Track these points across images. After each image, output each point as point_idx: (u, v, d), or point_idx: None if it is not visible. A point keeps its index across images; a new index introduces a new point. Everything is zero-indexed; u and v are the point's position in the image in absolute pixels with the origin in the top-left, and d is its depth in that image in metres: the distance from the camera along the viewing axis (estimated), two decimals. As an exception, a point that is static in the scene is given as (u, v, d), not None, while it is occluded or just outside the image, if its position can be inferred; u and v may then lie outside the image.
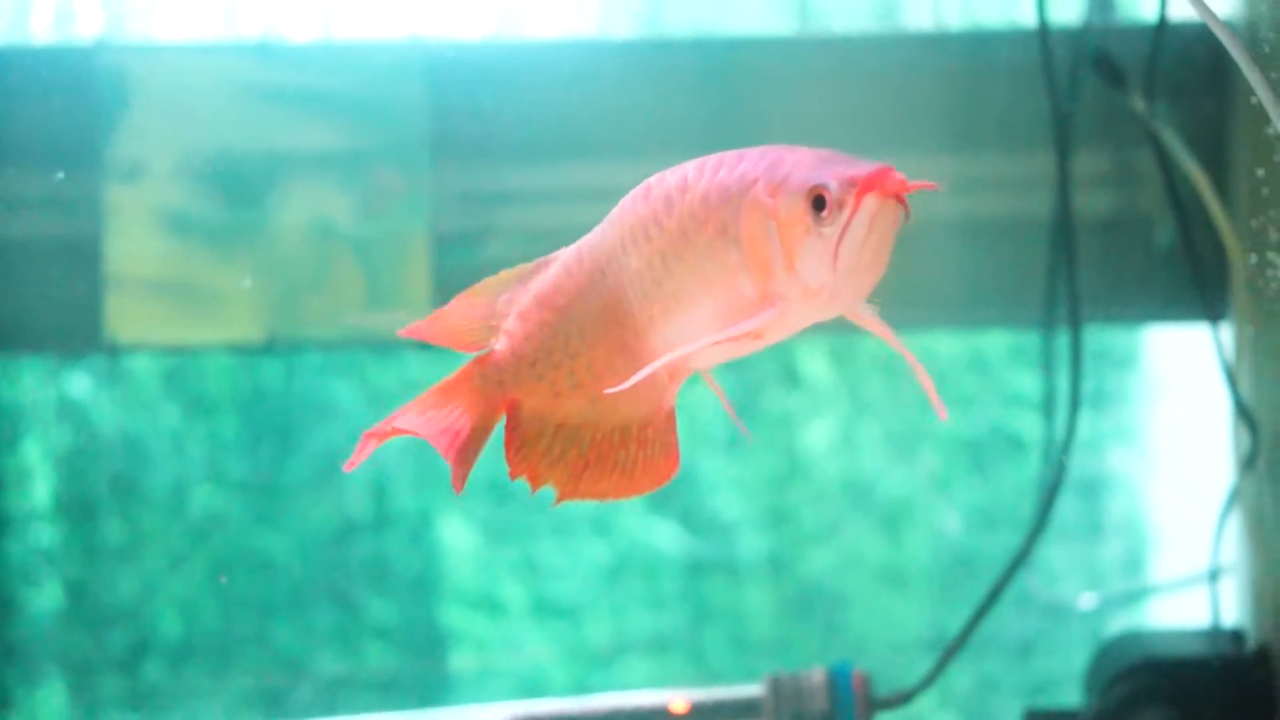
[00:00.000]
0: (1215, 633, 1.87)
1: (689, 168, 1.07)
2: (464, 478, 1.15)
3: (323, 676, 2.35)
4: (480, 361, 1.15)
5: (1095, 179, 2.02)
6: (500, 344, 1.14)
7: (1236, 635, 1.87)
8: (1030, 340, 2.37)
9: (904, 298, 2.11)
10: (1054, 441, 2.05)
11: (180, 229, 2.01)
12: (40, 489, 2.32)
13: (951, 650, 1.80)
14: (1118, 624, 2.32)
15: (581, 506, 2.43)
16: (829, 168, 0.98)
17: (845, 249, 0.97)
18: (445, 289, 2.01)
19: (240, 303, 2.02)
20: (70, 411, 2.31)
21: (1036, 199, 2.04)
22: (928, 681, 1.83)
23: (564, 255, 1.13)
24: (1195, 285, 1.86)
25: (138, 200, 2.01)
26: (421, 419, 1.16)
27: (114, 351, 2.02)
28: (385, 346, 2.28)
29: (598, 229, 1.12)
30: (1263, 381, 1.83)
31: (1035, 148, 2.01)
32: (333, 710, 2.30)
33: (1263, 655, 1.79)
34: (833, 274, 0.98)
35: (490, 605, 2.41)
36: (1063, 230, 1.88)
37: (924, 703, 2.23)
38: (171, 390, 2.34)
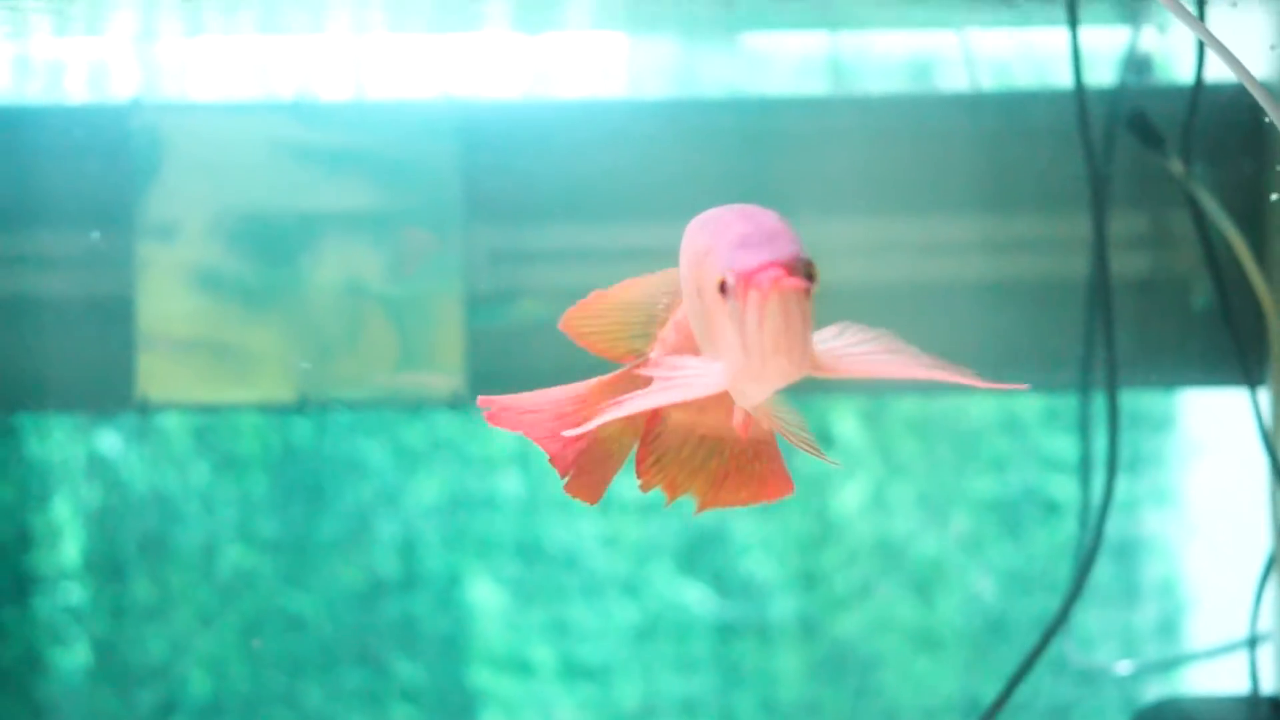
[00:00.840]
0: (1255, 700, 1.85)
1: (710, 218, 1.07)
2: (591, 486, 1.15)
3: (351, 736, 2.34)
4: (638, 369, 1.13)
5: (1130, 241, 2.01)
6: (656, 353, 1.13)
7: (1276, 703, 1.85)
8: (1064, 402, 2.35)
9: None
10: (1090, 505, 2.03)
11: (213, 288, 2.01)
12: (70, 547, 2.32)
13: (988, 717, 1.78)
14: (1153, 690, 2.29)
15: (610, 568, 2.43)
16: (739, 253, 0.98)
17: (751, 341, 0.97)
18: (478, 349, 2.01)
19: (272, 362, 2.02)
20: (100, 469, 2.31)
21: (1070, 261, 2.03)
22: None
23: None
24: (1233, 348, 1.84)
25: (170, 259, 2.01)
26: (552, 421, 1.15)
27: (145, 410, 2.01)
28: (416, 407, 2.28)
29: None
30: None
31: (1068, 210, 2.00)
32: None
33: (1302, 724, 1.77)
34: (743, 356, 0.98)
35: (519, 666, 2.39)
36: (1100, 292, 1.87)
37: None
38: (202, 448, 2.34)
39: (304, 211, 2.03)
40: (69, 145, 2.05)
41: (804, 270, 0.95)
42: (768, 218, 1.01)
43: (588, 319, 1.16)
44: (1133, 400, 2.23)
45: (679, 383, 1.03)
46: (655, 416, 1.13)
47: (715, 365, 1.02)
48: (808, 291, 0.95)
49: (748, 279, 0.96)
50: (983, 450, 2.40)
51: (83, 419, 2.27)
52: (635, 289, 1.14)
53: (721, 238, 1.00)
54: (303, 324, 2.02)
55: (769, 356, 0.97)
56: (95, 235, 1.99)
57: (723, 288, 0.97)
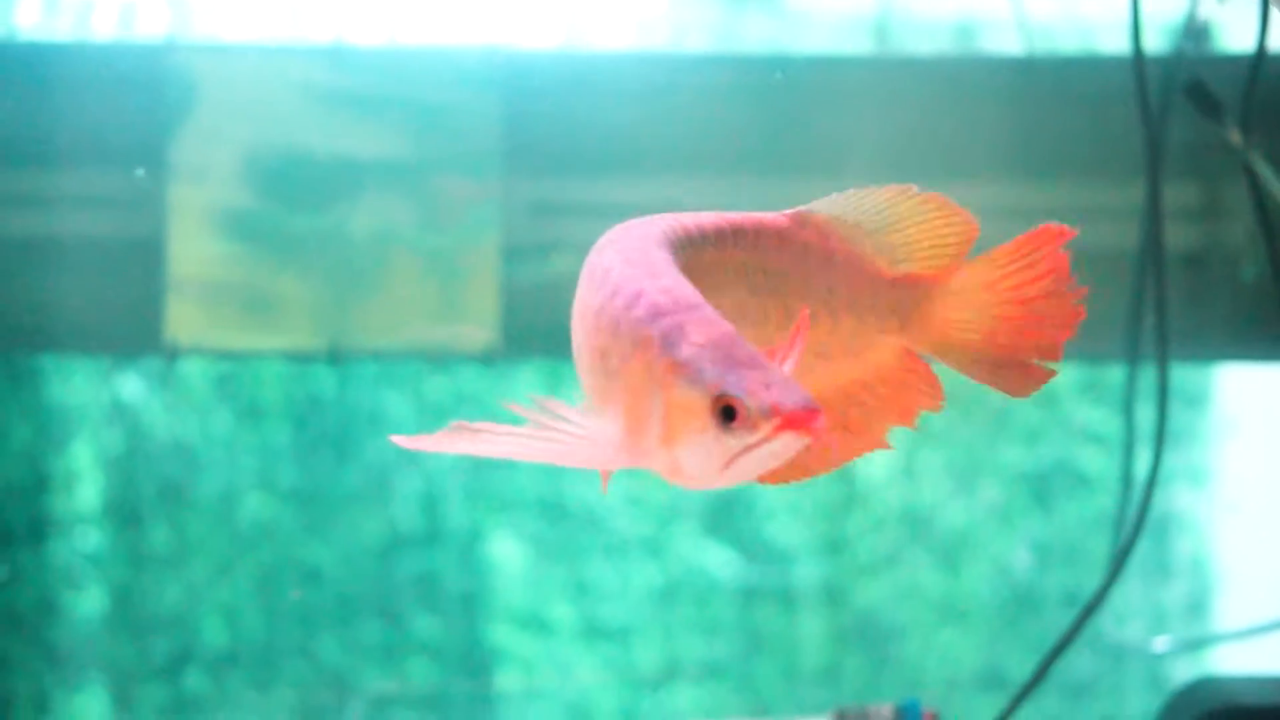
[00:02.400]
0: (1294, 681, 1.83)
1: (609, 257, 1.02)
2: None
3: (367, 692, 2.32)
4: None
5: (1180, 211, 1.98)
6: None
7: (1316, 685, 1.83)
8: (1099, 375, 2.32)
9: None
10: (1127, 479, 2.00)
11: (244, 232, 1.98)
12: (88, 492, 2.29)
13: (1024, 692, 1.76)
14: (1181, 668, 2.27)
15: (634, 528, 2.41)
16: (742, 373, 0.94)
17: (745, 462, 0.94)
18: (513, 303, 1.98)
19: (302, 310, 1.99)
20: (122, 414, 2.28)
21: (1115, 230, 2.00)
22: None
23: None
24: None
25: (201, 202, 1.98)
26: None
27: (173, 354, 1.98)
28: (448, 360, 2.25)
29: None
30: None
31: (1116, 178, 1.98)
32: (378, 727, 2.27)
33: (1344, 706, 1.75)
34: (718, 476, 0.95)
35: (539, 625, 2.37)
36: (1152, 263, 1.84)
37: (983, 740, 2.20)
38: (224, 396, 2.31)
39: (338, 157, 2.00)
40: (98, 84, 2.02)
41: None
42: (718, 319, 0.97)
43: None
44: (1170, 373, 2.19)
45: (559, 446, 0.99)
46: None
47: (607, 435, 0.98)
48: None
49: (794, 421, 0.93)
50: (1014, 421, 2.37)
51: (107, 363, 2.24)
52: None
53: (680, 335, 0.95)
54: (334, 272, 1.99)
55: (751, 475, 0.95)
56: (141, 173, 1.96)
57: (728, 412, 0.94)
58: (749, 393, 0.93)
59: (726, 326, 0.97)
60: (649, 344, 0.97)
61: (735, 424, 0.93)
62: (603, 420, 0.99)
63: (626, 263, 1.01)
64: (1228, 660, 2.25)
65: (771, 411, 0.92)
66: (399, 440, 0.98)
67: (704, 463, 0.95)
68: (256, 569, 2.33)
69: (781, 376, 0.94)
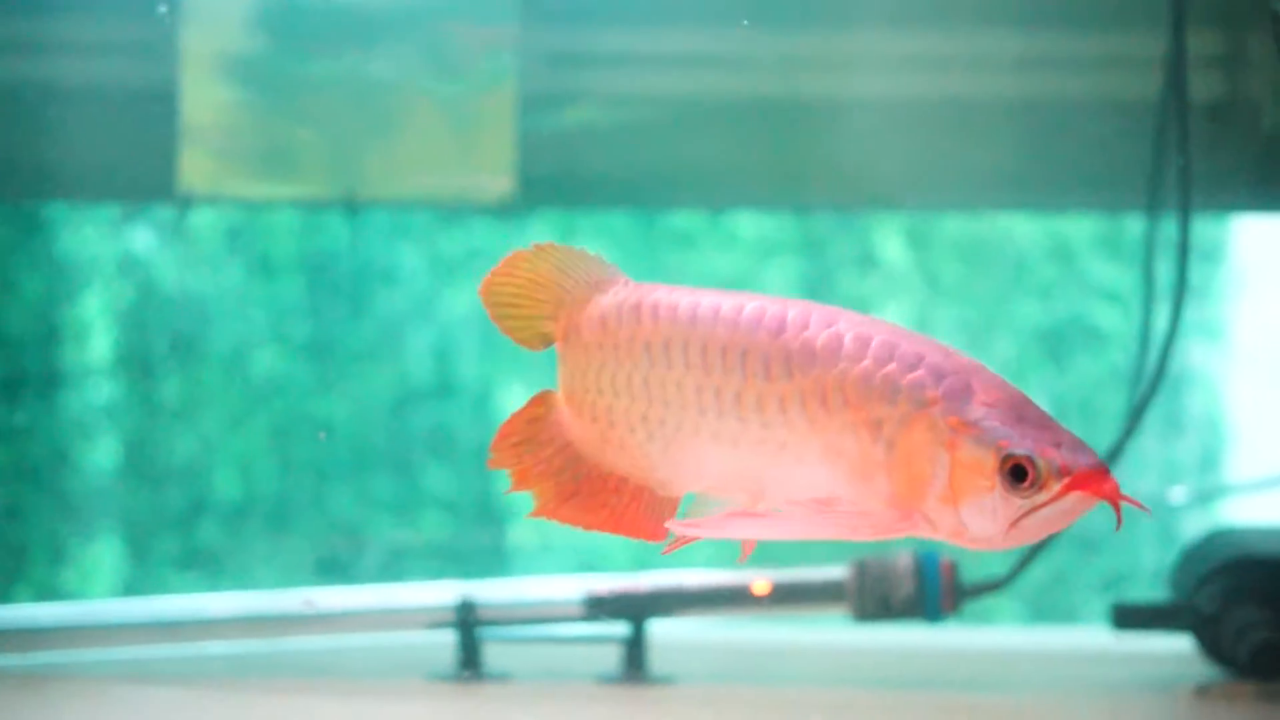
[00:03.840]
0: (1312, 531, 1.83)
1: (842, 330, 1.01)
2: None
3: (379, 543, 2.32)
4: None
5: (1201, 60, 1.96)
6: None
7: (1332, 535, 1.83)
8: (1114, 229, 2.31)
9: (987, 178, 2.08)
10: (1143, 333, 1.99)
11: (258, 80, 1.96)
12: (100, 344, 2.29)
13: (1039, 547, 1.76)
14: (1191, 522, 2.28)
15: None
16: (1030, 432, 0.95)
17: (1030, 522, 0.94)
18: (530, 153, 1.96)
19: (315, 158, 1.97)
20: (133, 266, 2.27)
21: (1134, 80, 1.98)
22: (1016, 572, 1.79)
23: (667, 309, 1.06)
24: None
25: (215, 48, 1.95)
26: None
27: (186, 203, 1.97)
28: (464, 210, 2.24)
29: (704, 312, 1.05)
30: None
31: (1137, 26, 1.95)
32: (392, 576, 2.28)
33: (1359, 556, 1.75)
34: (1002, 536, 0.95)
35: (551, 479, 2.37)
36: (1176, 113, 1.83)
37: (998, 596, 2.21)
38: (236, 249, 2.30)
39: (353, 2, 1.98)
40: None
41: None
42: (1003, 380, 0.99)
43: (504, 289, 1.10)
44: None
45: (841, 521, 0.99)
46: (539, 401, 1.10)
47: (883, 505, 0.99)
48: None
49: (1085, 481, 0.93)
50: (1030, 276, 2.37)
51: (118, 212, 2.22)
52: (546, 261, 1.10)
53: (967, 395, 0.96)
54: (348, 120, 1.98)
55: (1038, 538, 0.96)
56: (164, 9, 1.93)
57: (1018, 471, 0.94)
58: (1038, 452, 0.93)
59: (1013, 387, 0.98)
60: (934, 404, 0.97)
61: (1024, 484, 0.93)
62: (872, 489, 0.99)
63: (867, 329, 1.01)
64: (1239, 513, 2.26)
65: (1061, 471, 0.92)
66: (677, 527, 1.00)
67: (989, 523, 0.95)
68: (269, 422, 2.33)
69: (1071, 437, 0.95)
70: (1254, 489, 2.15)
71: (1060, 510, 0.93)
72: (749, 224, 2.37)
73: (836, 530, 0.99)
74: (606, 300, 1.08)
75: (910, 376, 0.98)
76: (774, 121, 2.06)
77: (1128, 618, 1.76)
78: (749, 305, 1.04)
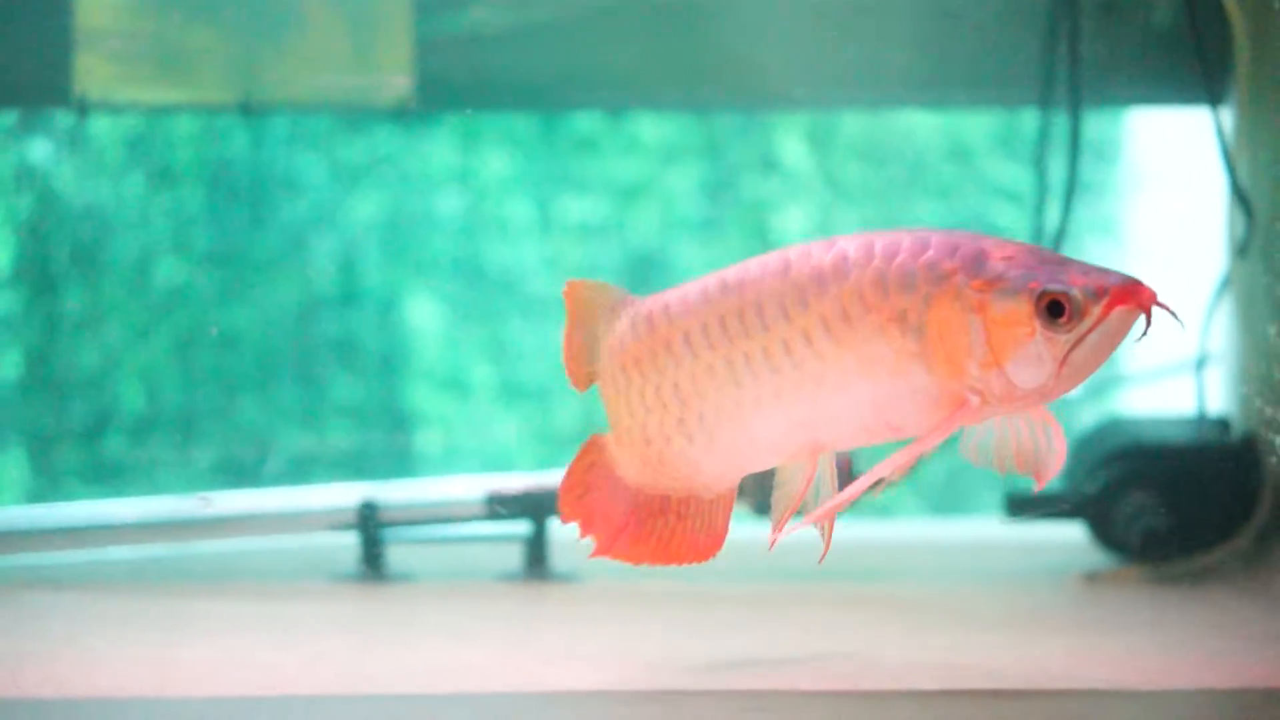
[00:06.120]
0: (1202, 420, 1.86)
1: (844, 246, 1.02)
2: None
3: (286, 451, 2.33)
4: None
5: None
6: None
7: (1223, 423, 1.87)
8: (1013, 128, 2.33)
9: (883, 75, 2.08)
10: (1035, 232, 2.02)
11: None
12: (-1, 256, 2.27)
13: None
14: (1089, 413, 2.31)
15: (551, 289, 2.41)
16: (1057, 270, 0.96)
17: (1078, 355, 0.95)
18: (429, 55, 1.95)
19: (212, 62, 1.96)
20: (31, 177, 2.25)
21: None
22: (909, 465, 1.81)
23: (678, 303, 1.08)
24: (1197, 66, 1.82)
25: (107, -48, 1.93)
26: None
27: (83, 108, 1.95)
28: (363, 112, 2.23)
29: (712, 288, 1.07)
30: (1260, 165, 1.80)
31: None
32: (297, 483, 2.28)
33: (1248, 443, 1.78)
34: (1055, 378, 0.96)
35: (458, 386, 2.38)
36: (1067, 7, 1.84)
37: (896, 490, 2.23)
38: (135, 158, 2.28)
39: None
40: None
41: None
42: (1008, 240, 1.00)
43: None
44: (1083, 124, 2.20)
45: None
46: (590, 447, 1.12)
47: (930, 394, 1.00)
48: None
49: (1124, 295, 0.94)
50: (929, 176, 2.38)
51: (13, 118, 2.20)
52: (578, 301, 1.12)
53: (984, 259, 0.97)
54: (245, 21, 1.96)
55: (1083, 374, 0.96)
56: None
57: (1055, 307, 0.94)
58: (1069, 283, 0.94)
59: (1021, 242, 0.99)
60: (953, 275, 0.98)
61: (1063, 318, 0.94)
62: (914, 386, 1.00)
63: (866, 238, 1.02)
64: (1133, 403, 2.29)
65: (1098, 293, 0.93)
66: (799, 526, 1.02)
67: (1039, 370, 0.96)
68: (173, 333, 2.32)
69: (1094, 267, 0.96)
70: (1147, 379, 2.18)
71: (1105, 334, 0.94)
72: (650, 127, 2.38)
73: (911, 458, 1.01)
74: (621, 322, 1.09)
75: (923, 259, 0.99)
76: (674, 21, 2.06)
77: (1020, 507, 1.79)
78: (751, 264, 1.05)
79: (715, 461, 1.09)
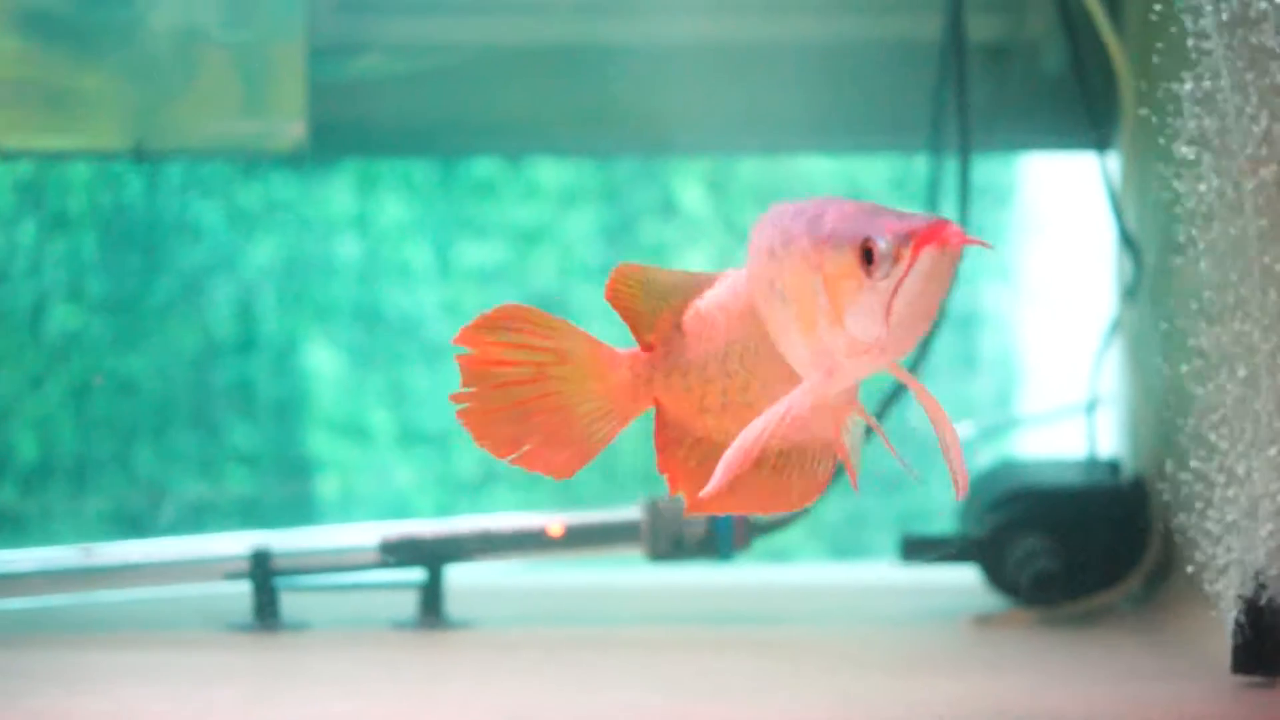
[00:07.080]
0: (1092, 462, 1.88)
1: (789, 210, 1.05)
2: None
3: (183, 499, 2.31)
4: (634, 357, 1.14)
5: (982, 3, 2.00)
6: (658, 347, 1.13)
7: (1113, 465, 1.89)
8: (905, 170, 2.35)
9: (780, 120, 2.10)
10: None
11: (42, 28, 1.93)
12: (-113, 306, 2.24)
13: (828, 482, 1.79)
14: (985, 455, 2.32)
15: (451, 334, 2.39)
16: (877, 219, 0.97)
17: (899, 302, 0.96)
18: (320, 100, 1.95)
19: (104, 108, 1.95)
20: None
21: (915, 21, 2.01)
22: (804, 509, 1.82)
23: (734, 275, 1.11)
24: (1084, 112, 1.84)
25: (-3, -3, 1.92)
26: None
27: (-29, 156, 1.93)
28: (255, 161, 2.22)
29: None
30: (1146, 210, 1.82)
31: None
32: (195, 531, 2.26)
33: (1138, 485, 1.80)
34: (884, 328, 0.97)
35: (357, 432, 2.37)
36: (954, 54, 1.86)
37: (794, 535, 2.24)
38: (26, 205, 2.26)
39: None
40: None
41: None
42: (861, 202, 1.01)
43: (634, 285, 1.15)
44: (975, 172, 2.23)
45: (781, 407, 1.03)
46: (659, 405, 1.13)
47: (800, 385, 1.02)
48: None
49: (928, 235, 0.94)
50: (826, 220, 2.39)
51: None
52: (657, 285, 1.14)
53: (822, 218, 0.99)
54: (137, 67, 1.95)
55: (915, 324, 0.97)
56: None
57: (870, 255, 0.96)
58: (884, 231, 0.96)
59: (869, 202, 1.00)
60: (798, 239, 1.00)
61: (875, 265, 0.95)
62: (795, 347, 1.02)
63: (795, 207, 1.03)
64: (1028, 446, 2.31)
65: (907, 237, 0.94)
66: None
67: (870, 321, 0.97)
68: (67, 380, 2.30)
69: (923, 216, 0.96)
70: (1041, 421, 2.20)
71: (920, 278, 0.95)
72: (550, 172, 2.38)
73: (791, 419, 1.02)
74: (704, 300, 1.11)
75: (780, 227, 1.02)
76: (572, 67, 2.07)
77: (915, 550, 1.80)
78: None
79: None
